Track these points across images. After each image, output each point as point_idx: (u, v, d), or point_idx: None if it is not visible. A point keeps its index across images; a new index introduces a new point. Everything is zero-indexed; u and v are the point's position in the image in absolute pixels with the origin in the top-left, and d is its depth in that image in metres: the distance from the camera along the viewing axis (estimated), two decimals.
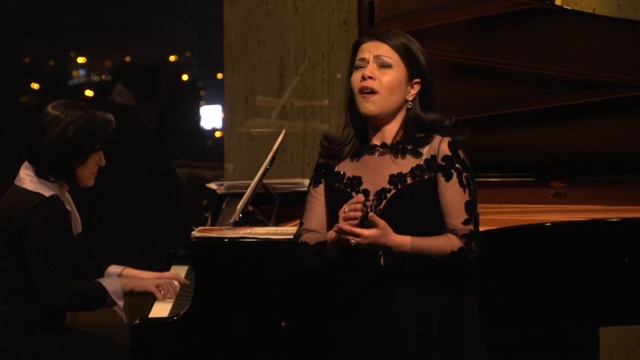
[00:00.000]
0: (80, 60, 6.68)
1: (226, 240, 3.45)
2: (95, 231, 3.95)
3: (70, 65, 6.68)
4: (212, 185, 4.52)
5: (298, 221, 3.24)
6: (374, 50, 3.06)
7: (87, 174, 3.74)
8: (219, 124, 6.48)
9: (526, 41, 4.07)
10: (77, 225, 3.79)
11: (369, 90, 3.04)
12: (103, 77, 6.71)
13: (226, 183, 4.50)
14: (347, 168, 3.10)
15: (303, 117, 5.57)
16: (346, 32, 5.47)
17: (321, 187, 3.15)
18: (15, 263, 3.65)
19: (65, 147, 3.67)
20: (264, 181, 4.06)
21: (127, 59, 6.68)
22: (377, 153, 3.09)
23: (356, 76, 3.07)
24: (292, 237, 3.35)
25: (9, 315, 3.66)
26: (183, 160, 6.35)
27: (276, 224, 3.91)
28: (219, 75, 6.06)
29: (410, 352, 3.02)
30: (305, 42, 5.53)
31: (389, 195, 3.02)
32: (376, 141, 3.10)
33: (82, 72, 6.71)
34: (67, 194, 3.77)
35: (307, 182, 4.40)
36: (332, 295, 3.33)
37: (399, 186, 3.03)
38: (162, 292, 3.75)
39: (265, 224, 3.85)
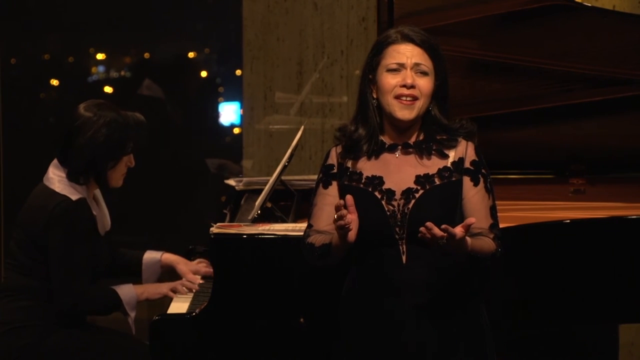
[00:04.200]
0: (100, 56, 6.70)
1: (245, 236, 3.46)
2: (114, 227, 3.97)
3: (90, 61, 6.70)
4: (231, 182, 4.52)
5: None
6: (413, 56, 3.02)
7: (118, 175, 3.74)
8: (237, 120, 6.49)
9: (546, 38, 4.06)
10: (106, 224, 3.79)
11: (410, 98, 3.02)
12: (122, 73, 6.73)
13: (245, 179, 4.50)
14: (364, 167, 3.08)
15: (322, 113, 5.57)
16: (365, 29, 5.46)
17: (331, 188, 3.10)
18: (38, 261, 3.66)
19: (99, 150, 3.66)
20: (283, 178, 4.06)
21: (146, 55, 6.70)
22: (398, 152, 3.08)
23: (392, 79, 3.02)
24: None
25: (31, 312, 3.68)
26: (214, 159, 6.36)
27: (294, 221, 3.91)
28: (238, 72, 6.07)
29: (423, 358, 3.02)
30: (324, 39, 5.53)
31: (417, 195, 3.01)
32: (396, 140, 3.09)
33: (101, 68, 6.73)
34: (96, 192, 3.77)
35: None
36: None
37: (427, 186, 3.02)
38: (179, 294, 3.76)
39: (283, 221, 3.85)
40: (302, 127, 4.22)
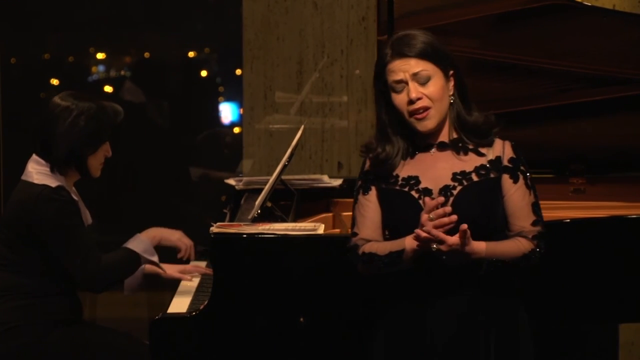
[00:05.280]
0: (100, 56, 6.69)
1: (244, 236, 3.46)
2: (113, 227, 3.97)
3: (90, 61, 6.70)
4: (231, 181, 4.52)
5: (317, 217, 3.23)
6: (408, 69, 3.00)
7: (97, 164, 3.76)
8: (237, 120, 6.49)
9: (546, 37, 4.06)
10: (87, 217, 3.81)
11: (422, 110, 3.01)
12: (122, 73, 6.73)
13: (245, 179, 4.50)
14: (400, 169, 3.07)
15: (322, 113, 5.57)
16: (365, 28, 5.46)
17: (371, 193, 3.09)
18: (30, 258, 3.67)
19: (77, 138, 3.68)
20: (283, 177, 4.06)
21: (146, 55, 6.70)
22: (433, 150, 3.07)
23: (401, 99, 3.02)
24: (310, 233, 3.36)
25: (27, 310, 3.68)
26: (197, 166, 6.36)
27: (294, 220, 3.91)
28: (238, 72, 6.07)
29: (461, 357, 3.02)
30: (324, 39, 5.53)
31: (455, 192, 3.01)
32: (430, 139, 3.07)
33: (101, 68, 6.73)
34: (73, 187, 3.79)
35: (325, 177, 4.42)
36: (349, 291, 3.34)
37: (465, 183, 3.01)
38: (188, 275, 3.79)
39: (283, 220, 3.85)
40: (302, 127, 4.23)
